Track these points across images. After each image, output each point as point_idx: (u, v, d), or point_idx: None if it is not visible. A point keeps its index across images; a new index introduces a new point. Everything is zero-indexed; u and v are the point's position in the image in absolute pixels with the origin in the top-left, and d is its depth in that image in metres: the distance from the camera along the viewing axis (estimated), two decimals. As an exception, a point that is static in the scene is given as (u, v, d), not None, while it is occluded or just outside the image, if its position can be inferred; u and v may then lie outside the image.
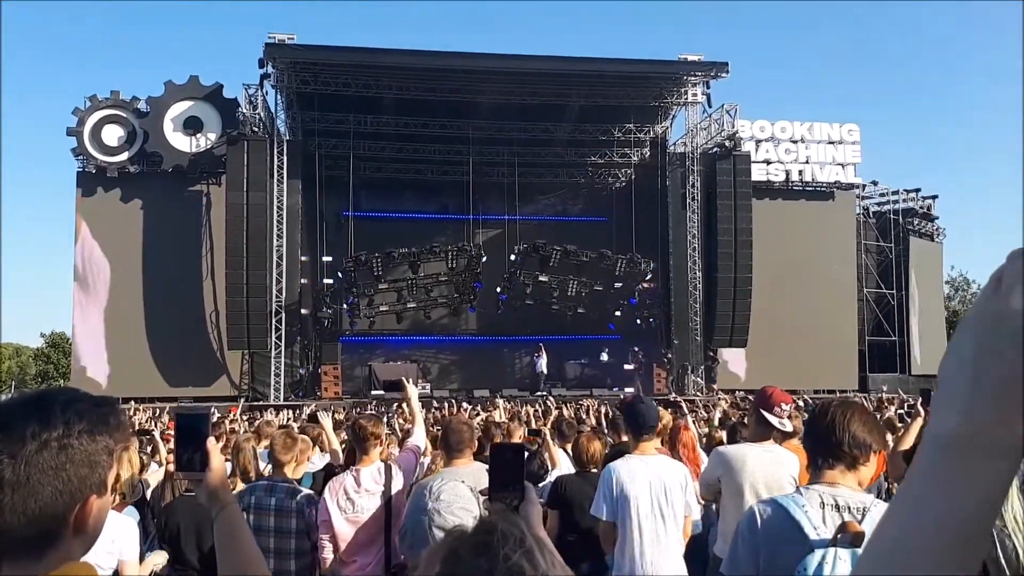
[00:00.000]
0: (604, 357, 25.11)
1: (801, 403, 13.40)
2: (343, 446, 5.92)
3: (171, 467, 5.16)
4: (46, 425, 1.17)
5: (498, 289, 24.43)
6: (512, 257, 23.81)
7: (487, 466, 1.56)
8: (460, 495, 2.36)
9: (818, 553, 2.13)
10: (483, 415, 11.21)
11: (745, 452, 4.19)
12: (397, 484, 4.39)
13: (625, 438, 5.62)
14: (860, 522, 2.21)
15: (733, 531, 4.07)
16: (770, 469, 4.12)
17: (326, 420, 6.05)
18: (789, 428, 4.36)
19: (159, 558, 4.49)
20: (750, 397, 17.18)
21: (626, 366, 24.60)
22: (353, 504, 4.33)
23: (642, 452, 4.12)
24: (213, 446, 1.69)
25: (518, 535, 0.89)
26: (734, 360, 25.84)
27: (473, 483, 2.36)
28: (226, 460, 3.49)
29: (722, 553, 4.18)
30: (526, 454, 1.61)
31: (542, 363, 23.78)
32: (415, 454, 4.68)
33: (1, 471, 1.14)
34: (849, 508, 2.29)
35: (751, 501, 4.03)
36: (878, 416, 8.73)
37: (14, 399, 1.26)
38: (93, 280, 23.77)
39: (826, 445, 2.39)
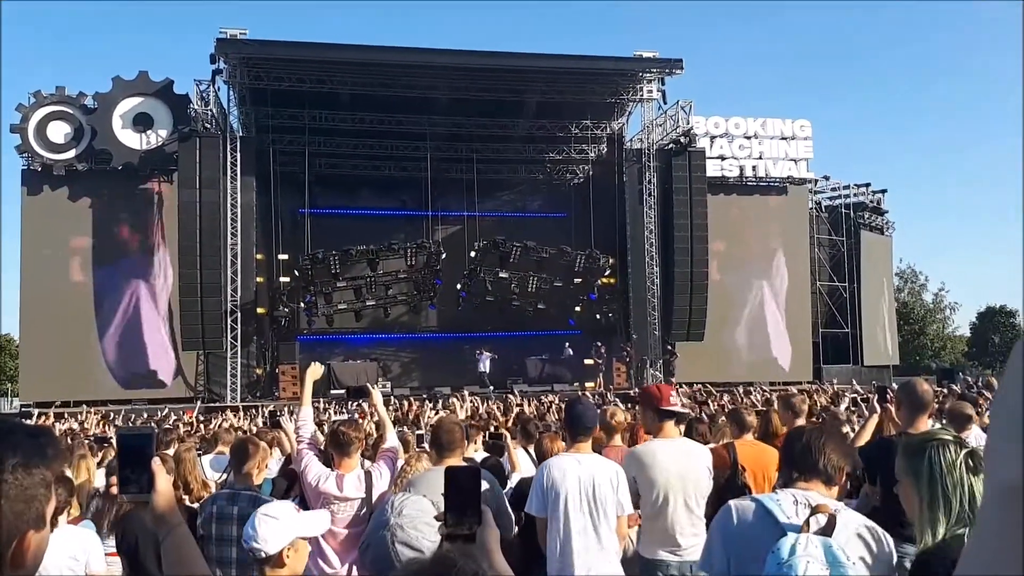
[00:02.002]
0: (568, 352, 25.20)
1: (758, 395, 13.66)
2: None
3: (114, 489, 5.05)
4: None
5: (458, 286, 24.39)
6: (472, 254, 23.80)
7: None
8: (423, 509, 2.36)
9: (791, 536, 2.17)
10: (443, 412, 11.15)
11: (655, 448, 4.32)
12: (379, 490, 4.37)
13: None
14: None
15: (651, 530, 4.20)
16: (682, 460, 4.24)
17: (289, 425, 5.96)
18: (687, 411, 4.96)
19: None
20: (714, 391, 17.37)
21: (586, 361, 24.73)
22: (332, 510, 4.30)
23: (576, 451, 4.16)
24: (159, 467, 1.66)
25: (474, 569, 0.92)
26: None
27: (435, 496, 2.37)
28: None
29: (644, 552, 4.31)
30: (482, 480, 1.61)
31: (485, 362, 23.61)
32: (392, 458, 4.65)
33: None
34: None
35: (666, 493, 4.16)
36: (832, 408, 8.94)
37: None
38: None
39: (805, 464, 2.49)
